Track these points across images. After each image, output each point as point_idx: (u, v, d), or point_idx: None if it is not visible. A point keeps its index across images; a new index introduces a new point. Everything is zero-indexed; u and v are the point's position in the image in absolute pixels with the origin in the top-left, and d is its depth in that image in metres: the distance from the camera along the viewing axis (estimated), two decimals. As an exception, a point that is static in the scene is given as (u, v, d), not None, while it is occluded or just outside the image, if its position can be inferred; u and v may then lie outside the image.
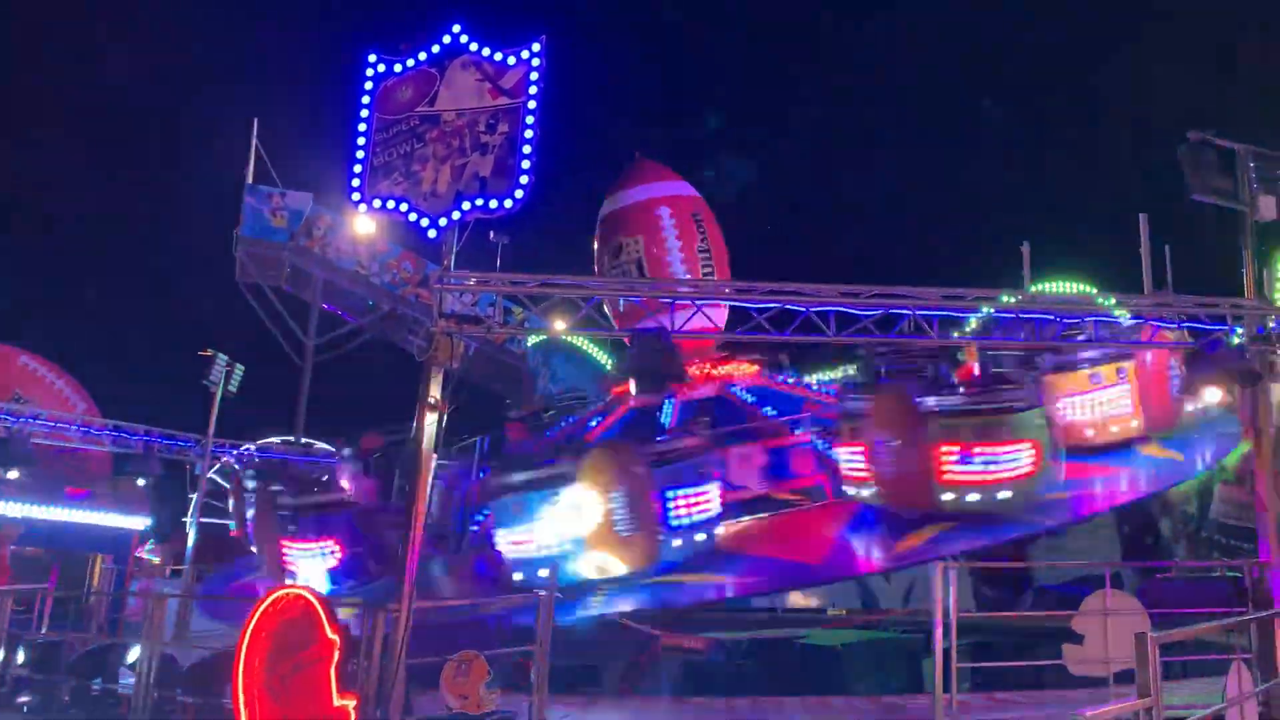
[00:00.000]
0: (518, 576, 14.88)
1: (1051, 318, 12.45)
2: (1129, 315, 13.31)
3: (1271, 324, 11.71)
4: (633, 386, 11.30)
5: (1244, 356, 11.40)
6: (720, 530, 15.99)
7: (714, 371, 20.67)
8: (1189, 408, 17.49)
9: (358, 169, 11.57)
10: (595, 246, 22.28)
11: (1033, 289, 20.72)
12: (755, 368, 21.06)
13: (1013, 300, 12.60)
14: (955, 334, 16.38)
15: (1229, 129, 12.05)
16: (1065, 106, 58.13)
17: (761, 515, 17.04)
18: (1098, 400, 17.16)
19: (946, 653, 10.00)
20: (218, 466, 28.33)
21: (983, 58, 55.73)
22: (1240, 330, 11.80)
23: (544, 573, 12.61)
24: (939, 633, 10.13)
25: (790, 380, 21.45)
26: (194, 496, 27.09)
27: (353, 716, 9.17)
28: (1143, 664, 6.52)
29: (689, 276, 20.77)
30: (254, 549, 20.03)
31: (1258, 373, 11.38)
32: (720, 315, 15.96)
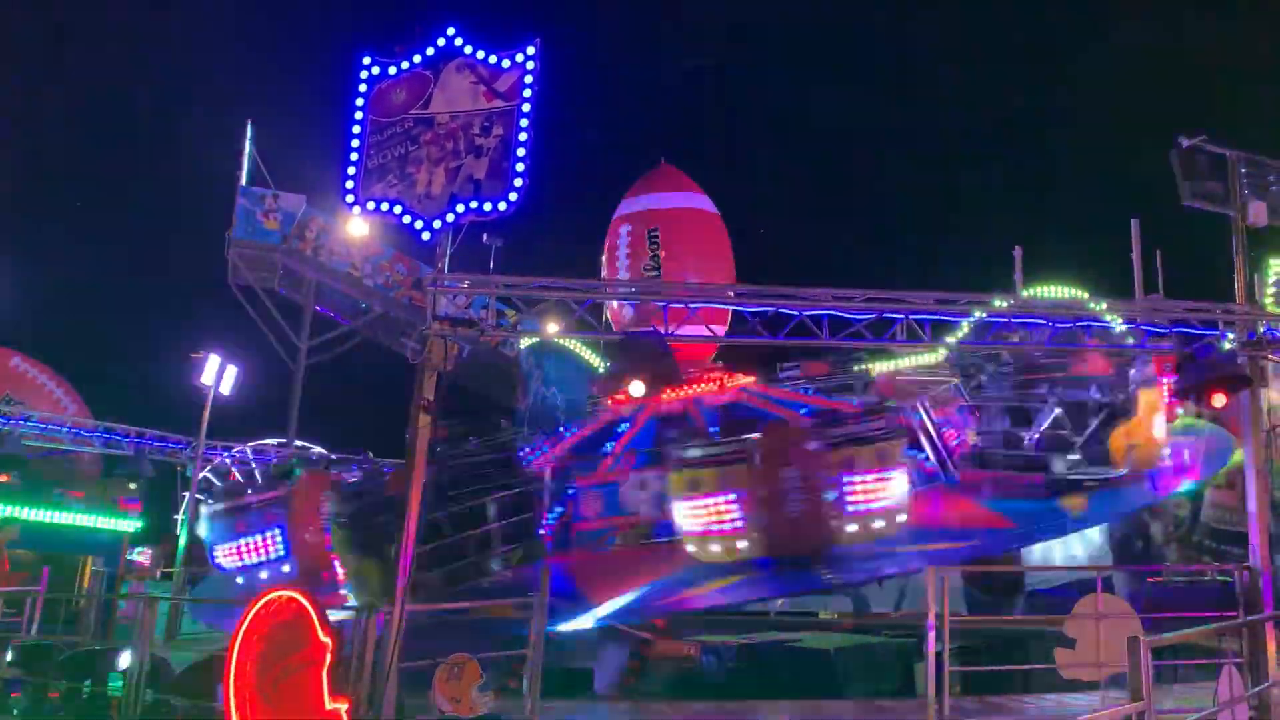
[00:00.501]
0: (240, 580, 18.17)
1: (1044, 322, 12.50)
2: (1121, 320, 13.35)
3: (1262, 329, 11.76)
4: (634, 389, 11.22)
5: (1235, 362, 11.45)
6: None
7: (727, 381, 20.20)
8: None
9: (351, 171, 11.55)
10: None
11: (1025, 294, 20.80)
12: (752, 378, 20.97)
13: (1005, 305, 12.63)
14: (948, 338, 16.47)
15: (1221, 134, 12.11)
16: (1059, 110, 58.33)
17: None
18: (699, 509, 14.48)
19: (939, 657, 10.02)
20: (209, 468, 28.24)
21: (977, 61, 55.92)
22: (1231, 335, 11.84)
23: (264, 575, 17.33)
24: (931, 637, 10.15)
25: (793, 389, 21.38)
26: (185, 498, 27.04)
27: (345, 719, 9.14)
28: (1135, 668, 6.54)
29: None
30: None
31: (1248, 378, 11.43)
32: (719, 328, 15.98)
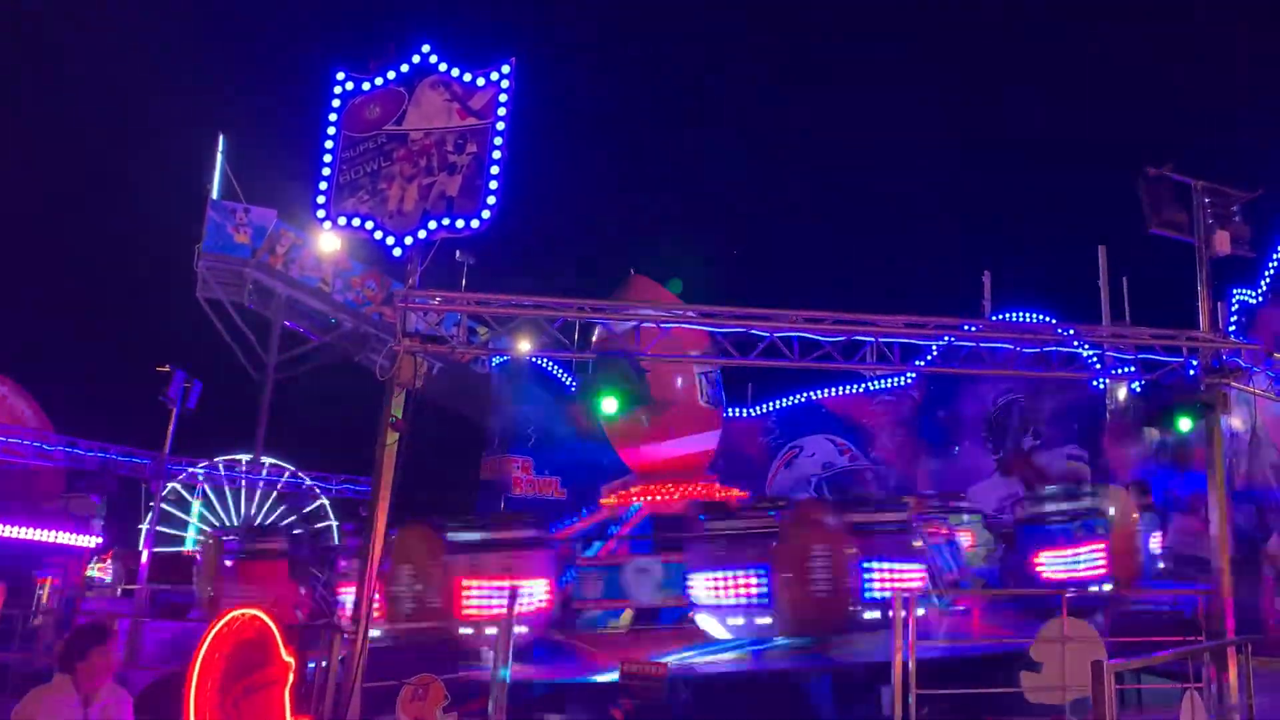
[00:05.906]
0: None
1: (1011, 347, 12.60)
2: (1088, 346, 13.49)
3: (1225, 357, 11.91)
4: (607, 406, 11.26)
5: (1198, 388, 11.60)
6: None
7: (691, 489, 19.74)
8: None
9: (323, 186, 11.47)
10: None
11: (993, 318, 21.03)
12: (738, 493, 20.35)
13: (973, 329, 12.73)
14: (918, 362, 16.57)
15: (1187, 164, 12.31)
16: (1029, 137, 59.13)
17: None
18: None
19: (905, 681, 10.02)
20: (172, 485, 27.88)
21: (949, 89, 56.63)
22: (1195, 362, 11.99)
23: None
24: (897, 660, 10.15)
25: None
26: (149, 514, 26.66)
27: (306, 741, 9.01)
28: (1098, 693, 6.56)
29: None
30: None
31: (1211, 405, 11.57)
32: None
